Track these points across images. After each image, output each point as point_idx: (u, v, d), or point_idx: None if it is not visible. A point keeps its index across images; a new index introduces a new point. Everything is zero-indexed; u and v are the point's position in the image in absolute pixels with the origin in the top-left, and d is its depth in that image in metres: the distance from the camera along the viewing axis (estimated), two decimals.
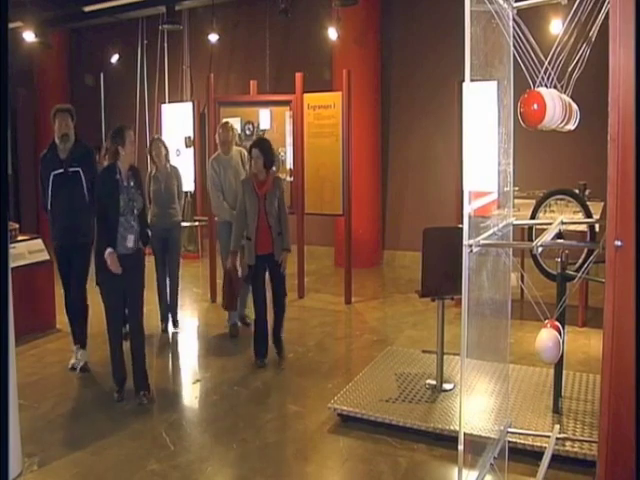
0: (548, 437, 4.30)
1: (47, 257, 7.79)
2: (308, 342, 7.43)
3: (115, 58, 13.57)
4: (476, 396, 5.09)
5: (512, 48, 3.44)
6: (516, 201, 6.92)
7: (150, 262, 6.65)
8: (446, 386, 5.72)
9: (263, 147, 6.68)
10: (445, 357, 5.79)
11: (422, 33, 11.24)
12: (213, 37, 11.96)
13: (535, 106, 2.91)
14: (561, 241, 4.46)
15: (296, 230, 9.01)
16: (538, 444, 4.59)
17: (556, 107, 2.95)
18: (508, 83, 3.73)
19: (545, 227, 4.01)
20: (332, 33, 10.54)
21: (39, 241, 7.91)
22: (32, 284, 7.47)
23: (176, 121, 11.35)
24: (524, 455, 4.55)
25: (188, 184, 9.60)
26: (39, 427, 5.37)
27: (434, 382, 5.77)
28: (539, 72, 3.18)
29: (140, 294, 5.93)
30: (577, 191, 7.04)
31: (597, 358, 6.00)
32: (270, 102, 9.65)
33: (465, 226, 3.08)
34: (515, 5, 3.55)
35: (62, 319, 6.50)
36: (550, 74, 3.20)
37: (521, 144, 4.13)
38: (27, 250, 7.62)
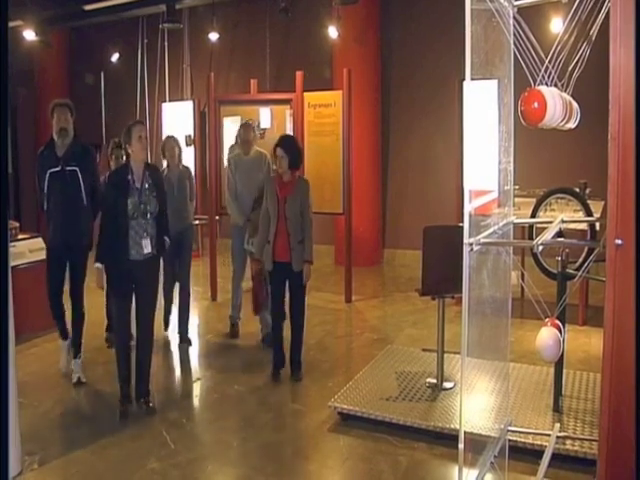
0: (548, 436, 4.30)
1: None
2: (308, 341, 7.43)
3: (115, 57, 13.57)
4: (476, 395, 5.09)
5: (512, 46, 3.43)
6: (516, 200, 6.91)
7: None
8: (446, 385, 5.72)
9: (288, 145, 6.17)
10: (445, 356, 5.79)
11: (422, 32, 11.24)
12: (213, 36, 11.97)
13: (536, 104, 2.91)
14: (561, 240, 4.46)
15: None
16: (538, 443, 4.59)
17: (557, 105, 2.95)
18: (509, 82, 3.72)
19: (545, 226, 4.01)
20: (332, 32, 10.54)
21: (39, 240, 7.88)
22: (32, 283, 7.42)
23: (176, 120, 11.36)
24: (524, 454, 4.55)
25: None
26: (39, 426, 5.37)
27: (434, 381, 5.78)
28: (540, 70, 3.17)
29: (153, 305, 5.65)
30: (577, 190, 7.02)
31: (597, 357, 5.99)
32: (270, 101, 9.65)
33: (465, 224, 3.08)
34: (515, 3, 3.54)
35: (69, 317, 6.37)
36: (551, 73, 3.20)
37: (522, 143, 4.13)
38: (27, 249, 7.60)
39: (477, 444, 3.52)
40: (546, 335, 3.41)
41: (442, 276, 5.40)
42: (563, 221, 4.05)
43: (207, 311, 9.09)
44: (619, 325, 2.62)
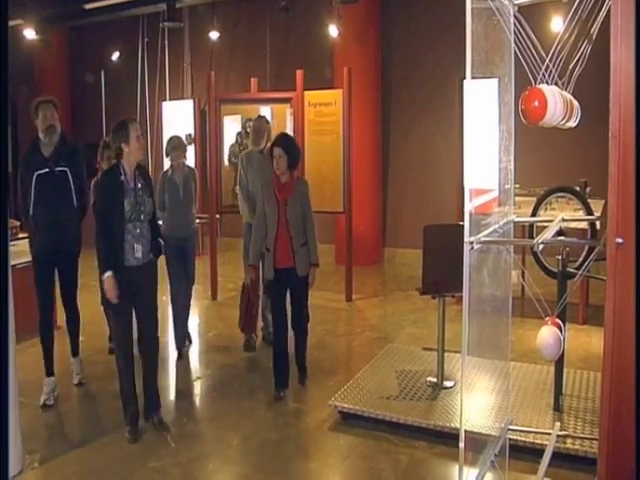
0: (549, 434, 4.30)
1: None
2: (309, 339, 7.43)
3: (116, 56, 13.58)
4: (477, 393, 5.09)
5: (513, 45, 3.43)
6: (517, 198, 6.91)
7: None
8: (447, 383, 5.72)
9: (286, 145, 5.81)
10: (446, 354, 5.79)
11: (422, 31, 11.24)
12: (214, 35, 11.99)
13: (536, 103, 2.90)
14: (562, 238, 4.46)
15: None
16: (539, 442, 4.59)
17: (557, 104, 2.95)
18: (509, 80, 3.72)
19: (546, 224, 4.01)
20: (333, 31, 10.56)
21: None
22: (33, 281, 7.39)
23: (177, 119, 11.34)
24: (525, 453, 4.55)
25: None
26: (40, 425, 5.38)
27: (435, 379, 5.78)
28: (540, 69, 3.17)
29: (154, 312, 5.30)
30: (578, 189, 7.02)
31: (598, 356, 5.99)
32: (271, 99, 9.64)
33: (466, 223, 3.08)
34: (516, 2, 3.54)
35: (63, 317, 6.17)
36: (551, 71, 3.19)
37: (522, 142, 4.13)
38: (28, 248, 7.59)
39: (477, 443, 3.52)
40: (546, 334, 3.42)
41: (442, 275, 5.40)
42: (563, 220, 4.05)
43: (207, 310, 9.10)
44: (619, 324, 2.62)
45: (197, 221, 7.62)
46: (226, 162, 9.45)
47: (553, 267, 5.52)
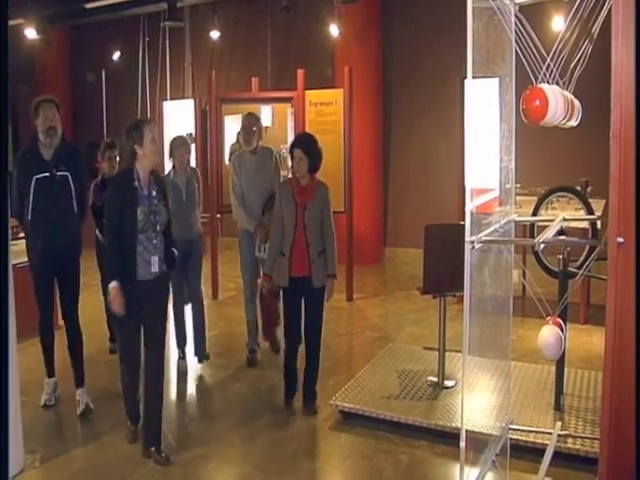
0: (550, 434, 4.30)
1: None
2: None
3: (117, 55, 13.58)
4: (478, 393, 5.09)
5: (514, 44, 3.43)
6: (517, 198, 6.91)
7: None
8: (447, 383, 5.72)
9: (308, 146, 5.38)
10: (447, 354, 5.79)
11: (423, 31, 11.24)
12: (215, 34, 11.99)
13: (537, 102, 2.90)
14: (563, 238, 4.46)
15: None
16: (540, 441, 4.59)
17: (558, 103, 2.94)
18: (510, 80, 3.72)
19: (547, 224, 4.01)
20: (333, 30, 10.56)
21: None
22: (32, 281, 7.29)
23: (177, 118, 11.34)
24: (526, 452, 4.56)
25: None
26: (41, 424, 5.38)
27: (435, 379, 5.78)
28: (541, 69, 3.17)
29: (163, 329, 4.94)
30: (579, 188, 7.02)
31: (599, 355, 5.99)
32: (272, 99, 9.65)
33: (467, 222, 3.08)
34: (517, 1, 3.54)
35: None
36: (552, 71, 3.19)
37: (523, 141, 4.13)
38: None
39: (478, 442, 3.52)
40: (548, 333, 3.42)
41: (443, 274, 5.40)
42: (564, 219, 4.05)
43: (208, 309, 9.01)
44: (621, 323, 2.62)
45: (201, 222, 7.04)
46: (227, 161, 9.44)
47: (554, 267, 5.52)
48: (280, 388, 5.78)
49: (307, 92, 9.28)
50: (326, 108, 9.22)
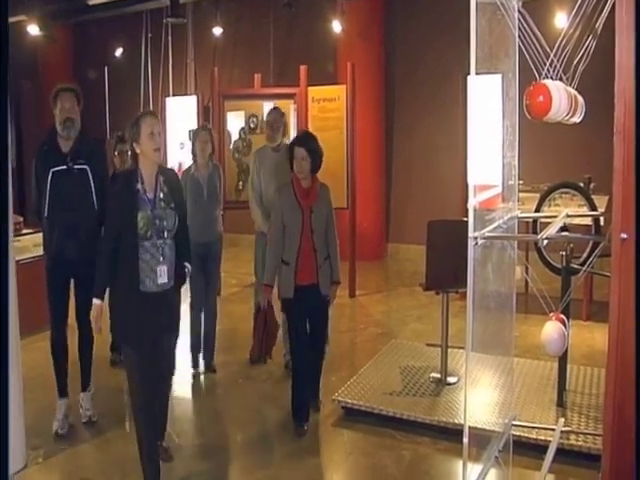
0: (553, 430, 4.29)
1: None
2: None
3: (119, 52, 13.59)
4: (480, 389, 5.08)
5: (517, 40, 3.42)
6: (520, 195, 6.91)
7: None
8: (450, 379, 5.73)
9: (311, 145, 5.11)
10: (449, 351, 5.80)
11: (426, 27, 11.21)
12: (217, 30, 12.01)
13: (541, 98, 2.90)
14: (566, 234, 4.45)
15: None
16: (542, 437, 4.59)
17: (562, 99, 2.94)
18: (513, 76, 3.72)
19: (550, 221, 4.00)
20: (336, 26, 10.55)
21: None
22: (37, 277, 7.20)
23: (180, 115, 11.34)
24: (528, 449, 4.56)
25: None
26: (44, 420, 5.37)
27: (438, 375, 5.78)
28: (545, 64, 3.16)
29: (172, 347, 4.60)
30: (582, 185, 7.01)
31: (601, 352, 5.97)
32: (274, 95, 9.63)
33: (470, 218, 3.07)
34: None
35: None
36: (556, 66, 3.19)
37: (526, 138, 4.12)
38: (32, 243, 7.59)
39: (481, 439, 3.52)
40: (551, 329, 3.42)
41: (446, 271, 5.40)
42: (568, 215, 4.04)
43: None
44: (624, 319, 2.61)
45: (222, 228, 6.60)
46: (230, 157, 9.44)
47: (557, 263, 5.52)
48: (284, 385, 5.76)
49: (310, 88, 9.27)
50: (329, 104, 9.21)
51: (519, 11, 3.49)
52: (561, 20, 7.88)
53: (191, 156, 6.32)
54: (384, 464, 4.69)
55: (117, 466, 4.70)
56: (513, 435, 4.11)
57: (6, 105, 3.76)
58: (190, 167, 6.28)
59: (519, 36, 3.38)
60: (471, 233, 3.07)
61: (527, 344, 6.55)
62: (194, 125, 10.57)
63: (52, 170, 5.05)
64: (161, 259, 4.16)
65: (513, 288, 4.04)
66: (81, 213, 5.10)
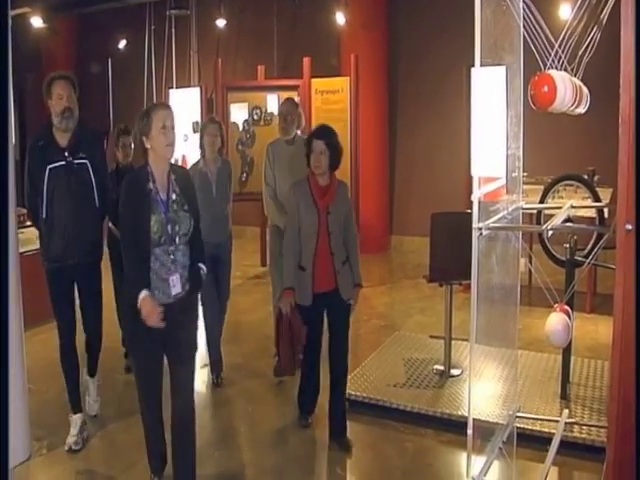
0: (557, 422, 4.29)
1: None
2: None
3: (123, 44, 13.57)
4: (484, 381, 5.09)
5: (522, 30, 3.41)
6: (524, 187, 6.90)
7: None
8: (454, 371, 5.73)
9: (330, 139, 4.70)
10: (453, 343, 5.79)
11: (430, 19, 11.17)
12: (220, 22, 11.99)
13: (546, 88, 2.89)
14: (571, 224, 4.44)
15: None
16: (546, 430, 4.59)
17: (567, 90, 2.93)
18: (518, 66, 3.70)
19: (554, 212, 4.00)
20: (340, 18, 10.52)
21: None
22: (41, 269, 6.96)
23: (184, 106, 11.33)
24: (532, 441, 4.56)
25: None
26: (48, 412, 5.39)
27: (442, 367, 5.78)
28: (549, 55, 3.15)
29: (192, 362, 4.10)
30: (586, 177, 7.00)
31: (605, 344, 6.00)
32: (278, 87, 9.65)
33: (475, 209, 3.06)
34: None
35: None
36: (560, 57, 3.17)
37: (529, 130, 4.10)
38: (35, 235, 7.58)
39: (485, 431, 3.52)
40: (555, 320, 3.41)
41: (450, 263, 5.39)
42: (572, 206, 4.04)
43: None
44: (629, 311, 2.61)
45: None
46: (233, 149, 9.44)
47: (561, 255, 5.51)
48: (288, 379, 5.74)
49: (313, 80, 9.28)
50: (332, 96, 9.23)
51: (524, 1, 3.48)
52: (566, 11, 7.85)
53: (199, 151, 5.94)
54: (387, 456, 4.69)
55: (121, 457, 4.71)
56: (517, 427, 4.12)
57: (7, 97, 3.74)
58: (198, 162, 5.92)
59: (524, 26, 3.36)
60: (475, 224, 3.07)
61: (531, 337, 6.55)
62: (198, 117, 10.59)
63: (49, 166, 4.62)
64: (172, 267, 3.78)
65: (517, 280, 4.04)
66: (82, 211, 4.69)
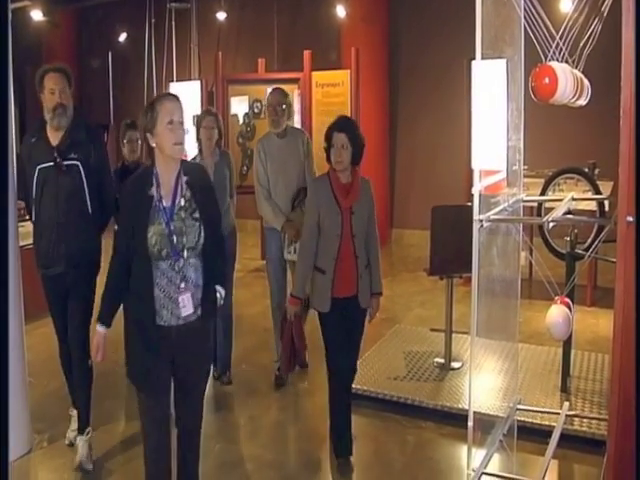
0: (557, 414, 4.30)
1: None
2: (316, 320, 7.43)
3: (123, 37, 13.55)
4: (485, 374, 5.09)
5: (523, 21, 3.40)
6: (525, 180, 6.90)
7: None
8: (454, 364, 5.73)
9: (353, 132, 4.24)
10: (453, 336, 5.80)
11: (430, 11, 11.14)
12: (221, 15, 11.96)
13: (547, 80, 2.88)
14: (571, 216, 4.43)
15: None
16: (547, 423, 4.59)
17: (568, 81, 2.92)
18: (519, 58, 3.70)
19: (555, 205, 3.99)
20: (340, 11, 10.50)
21: None
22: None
23: (184, 100, 11.30)
24: (532, 434, 4.55)
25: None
26: (48, 405, 5.40)
27: (442, 360, 5.78)
28: (550, 47, 3.15)
29: (202, 390, 3.69)
30: (586, 170, 6.98)
31: (605, 338, 6.00)
32: (278, 80, 9.60)
33: (475, 202, 3.06)
34: None
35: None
36: (561, 49, 3.17)
37: (530, 123, 4.09)
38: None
39: (485, 423, 3.53)
40: (556, 313, 3.42)
41: (450, 256, 5.40)
42: (573, 199, 4.03)
43: None
44: (629, 304, 2.61)
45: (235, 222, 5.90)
46: (234, 143, 9.43)
47: (561, 248, 5.51)
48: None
49: (314, 73, 9.26)
50: (333, 89, 9.21)
51: None
52: (567, 2, 7.82)
53: (196, 144, 5.67)
54: (388, 448, 4.70)
55: (121, 449, 4.72)
56: (517, 420, 4.12)
57: (7, 90, 3.70)
58: (195, 157, 5.66)
59: (525, 18, 3.36)
60: (476, 216, 3.06)
61: (531, 330, 6.55)
62: (198, 110, 10.57)
63: (38, 167, 4.29)
64: (182, 285, 3.28)
65: (518, 273, 4.04)
66: (70, 217, 4.32)
